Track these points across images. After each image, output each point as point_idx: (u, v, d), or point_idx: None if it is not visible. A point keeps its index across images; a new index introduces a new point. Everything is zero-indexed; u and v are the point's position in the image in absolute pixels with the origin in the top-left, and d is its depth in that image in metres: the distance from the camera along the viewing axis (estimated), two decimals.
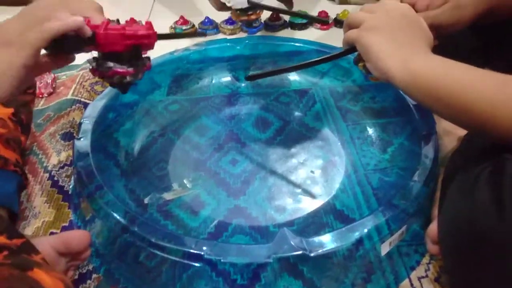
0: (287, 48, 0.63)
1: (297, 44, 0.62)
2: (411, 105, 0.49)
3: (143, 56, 0.40)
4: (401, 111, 0.52)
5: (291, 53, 0.63)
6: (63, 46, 0.35)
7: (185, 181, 0.47)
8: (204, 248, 0.33)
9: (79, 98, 0.59)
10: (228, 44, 0.62)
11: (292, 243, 0.33)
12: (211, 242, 0.34)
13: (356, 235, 0.34)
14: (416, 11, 0.40)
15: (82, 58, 0.71)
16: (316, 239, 0.34)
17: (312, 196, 0.45)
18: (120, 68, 0.38)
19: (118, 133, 0.53)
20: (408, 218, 0.37)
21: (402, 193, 0.38)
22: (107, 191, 0.39)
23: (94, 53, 0.39)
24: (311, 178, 0.47)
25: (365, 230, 0.35)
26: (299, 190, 0.46)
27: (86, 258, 0.38)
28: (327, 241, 0.34)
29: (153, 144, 0.52)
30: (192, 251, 0.33)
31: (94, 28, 0.35)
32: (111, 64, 0.38)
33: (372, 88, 0.58)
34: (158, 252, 0.34)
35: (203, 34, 0.61)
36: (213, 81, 0.61)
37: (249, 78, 0.47)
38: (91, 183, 0.40)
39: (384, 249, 0.36)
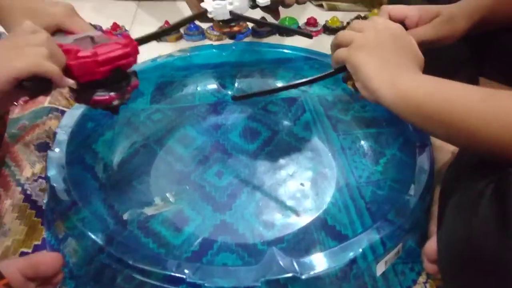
0: (275, 55, 0.61)
1: (285, 51, 0.60)
2: None
3: (128, 72, 0.36)
4: (393, 121, 0.51)
5: (279, 60, 0.61)
6: (30, 87, 0.29)
7: (167, 195, 0.44)
8: (187, 271, 0.30)
9: (57, 106, 0.56)
10: (214, 50, 0.60)
11: (282, 264, 0.31)
12: (194, 265, 0.31)
13: (350, 255, 0.32)
14: (406, 28, 0.39)
15: None
16: (307, 259, 0.31)
17: (302, 210, 0.43)
18: (102, 96, 0.34)
19: (97, 144, 0.50)
20: (404, 235, 0.35)
21: (397, 208, 0.36)
22: (82, 207, 0.36)
23: None
24: (300, 192, 0.45)
25: (360, 250, 0.32)
26: (288, 204, 0.44)
27: (58, 282, 0.35)
28: (319, 262, 0.31)
29: (134, 155, 0.49)
30: (173, 274, 0.30)
31: (65, 53, 0.31)
32: (90, 93, 0.34)
33: None
34: (137, 276, 0.31)
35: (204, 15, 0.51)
36: (198, 89, 0.59)
37: (236, 98, 0.47)
38: (64, 199, 0.37)
39: (380, 268, 0.34)
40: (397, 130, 0.50)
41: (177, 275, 0.30)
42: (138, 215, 0.42)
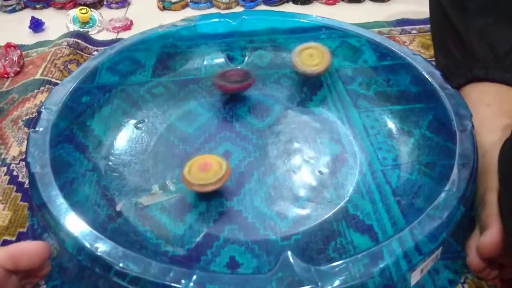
0: (289, 24, 0.55)
1: (300, 20, 0.54)
2: (436, 88, 0.41)
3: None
4: (421, 96, 0.45)
5: (293, 30, 0.55)
6: None
7: (167, 182, 0.39)
8: (183, 281, 0.26)
9: (50, 79, 0.51)
10: (221, 19, 0.54)
11: (298, 272, 0.26)
12: (191, 272, 0.26)
13: (381, 266, 0.27)
14: None
15: (55, 33, 0.64)
16: (329, 268, 0.26)
17: (320, 199, 0.38)
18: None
19: (92, 121, 0.45)
20: (445, 237, 0.29)
21: (436, 203, 0.31)
22: (63, 200, 0.31)
23: None
24: (318, 178, 0.40)
25: (391, 259, 0.27)
26: (304, 192, 0.39)
27: (44, 276, 0.31)
28: (342, 271, 0.26)
29: (133, 133, 0.45)
30: (166, 283, 0.26)
31: None
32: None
33: (386, 69, 0.50)
34: (123, 283, 0.27)
35: None
36: (205, 62, 0.54)
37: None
38: (45, 189, 0.32)
39: (415, 278, 0.29)
40: (427, 107, 0.44)
41: (171, 284, 0.25)
42: (133, 205, 0.37)
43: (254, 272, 0.32)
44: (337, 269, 0.26)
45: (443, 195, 0.31)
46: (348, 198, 0.38)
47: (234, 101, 0.48)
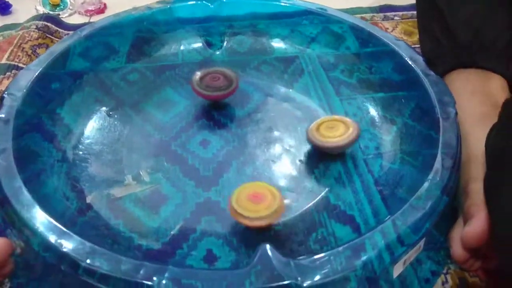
0: (270, 8, 0.53)
1: (282, 4, 0.52)
2: (419, 75, 0.40)
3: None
4: (404, 83, 0.44)
5: (275, 14, 0.53)
6: None
7: (142, 172, 0.37)
8: (155, 277, 0.24)
9: (16, 63, 0.49)
10: (199, 2, 0.52)
11: (277, 267, 0.24)
12: (164, 268, 0.24)
13: (363, 258, 0.26)
14: None
15: (23, 15, 0.61)
16: (309, 261, 0.25)
17: (300, 189, 0.37)
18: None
19: (62, 108, 0.43)
20: (428, 227, 0.29)
21: (419, 193, 0.30)
22: (28, 194, 0.29)
23: None
24: (298, 168, 0.38)
25: (374, 251, 0.26)
26: (284, 182, 0.37)
27: (7, 275, 0.29)
28: (323, 265, 0.25)
29: (105, 121, 0.42)
30: (138, 280, 0.24)
31: None
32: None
33: (369, 56, 0.49)
34: (92, 281, 0.25)
35: None
36: (182, 47, 0.51)
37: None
38: (8, 182, 0.30)
39: (397, 270, 0.28)
40: (410, 95, 0.43)
41: (142, 281, 0.24)
42: (104, 196, 0.35)
43: (232, 266, 0.31)
44: (317, 262, 0.25)
45: (426, 184, 0.31)
46: (329, 188, 0.37)
47: None
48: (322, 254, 0.26)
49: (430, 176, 0.31)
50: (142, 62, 0.49)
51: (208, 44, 0.52)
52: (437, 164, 0.32)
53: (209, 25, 0.53)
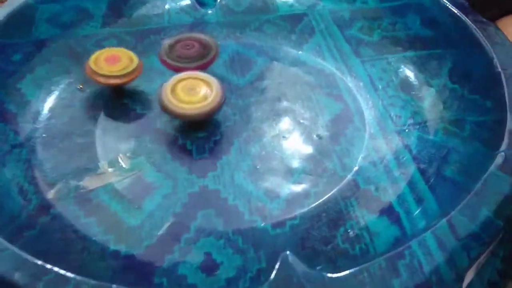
0: None
1: None
2: (466, 22, 0.33)
3: None
4: (436, 41, 0.36)
5: None
6: None
7: (120, 157, 0.30)
8: None
9: None
10: None
11: (302, 280, 0.17)
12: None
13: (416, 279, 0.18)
14: None
15: None
16: (350, 274, 0.18)
17: (320, 172, 0.29)
18: None
19: (23, 83, 0.35)
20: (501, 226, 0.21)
21: (486, 173, 0.22)
22: None
23: None
24: (316, 145, 0.31)
25: (430, 268, 0.18)
26: (299, 162, 0.30)
27: None
28: (364, 280, 0.18)
29: (75, 97, 0.35)
30: None
31: None
32: None
33: (390, 11, 0.41)
34: None
35: None
36: (168, 6, 0.43)
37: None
38: None
39: (467, 279, 0.20)
40: (445, 52, 0.36)
41: None
42: (73, 188, 0.28)
43: (238, 275, 0.24)
44: (360, 277, 0.18)
45: (494, 168, 0.23)
46: (356, 168, 0.29)
47: None
48: (364, 265, 0.18)
49: (500, 157, 0.23)
50: (121, 26, 0.41)
51: (199, 2, 0.43)
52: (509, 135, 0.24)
53: None
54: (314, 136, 0.31)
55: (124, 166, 0.29)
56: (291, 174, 0.29)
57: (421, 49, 0.37)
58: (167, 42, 0.35)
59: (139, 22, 0.42)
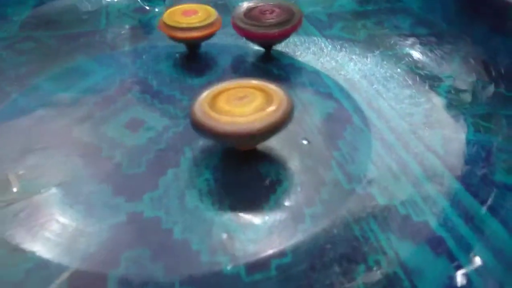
0: None
1: None
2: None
3: None
4: (453, 21, 0.30)
5: None
6: None
7: (10, 177, 0.19)
8: None
9: None
10: None
11: None
12: None
13: None
14: None
15: None
16: None
17: (316, 185, 0.20)
18: None
19: None
20: None
21: None
22: None
23: None
24: (305, 151, 0.22)
25: None
26: (283, 177, 0.20)
27: None
28: None
29: None
30: None
31: None
32: None
33: (375, 12, 0.35)
34: None
35: None
36: (104, 1, 0.35)
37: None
38: None
39: None
40: (455, 40, 0.29)
41: None
42: None
43: None
44: None
45: None
46: (367, 178, 0.20)
47: (153, 52, 0.30)
48: None
49: None
50: (43, 29, 0.32)
51: None
52: None
53: None
54: (301, 140, 0.22)
55: (13, 189, 0.19)
56: (273, 191, 0.19)
57: (425, 35, 0.30)
58: (241, 7, 0.28)
59: (68, 25, 0.33)
